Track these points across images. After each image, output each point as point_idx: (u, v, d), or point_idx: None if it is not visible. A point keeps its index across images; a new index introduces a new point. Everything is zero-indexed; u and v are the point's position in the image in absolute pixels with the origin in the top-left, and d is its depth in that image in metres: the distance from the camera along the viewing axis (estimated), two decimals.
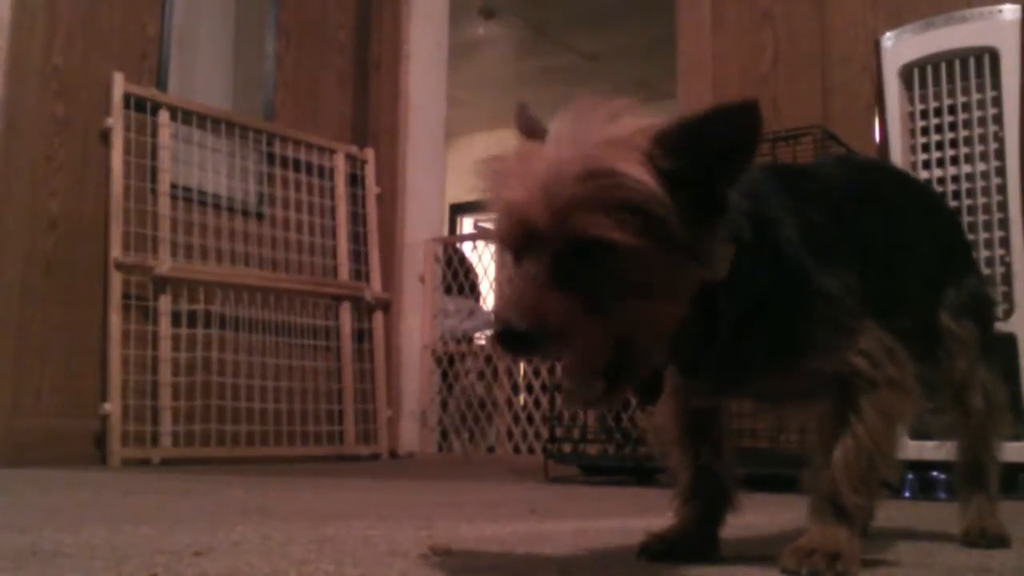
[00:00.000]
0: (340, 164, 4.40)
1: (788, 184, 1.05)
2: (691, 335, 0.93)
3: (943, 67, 2.37)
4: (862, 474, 0.98)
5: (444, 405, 4.58)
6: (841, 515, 0.98)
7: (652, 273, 0.84)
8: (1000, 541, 1.25)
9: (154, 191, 3.65)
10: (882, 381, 0.99)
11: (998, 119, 2.28)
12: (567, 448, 3.08)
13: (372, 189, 4.51)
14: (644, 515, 1.70)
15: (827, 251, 1.00)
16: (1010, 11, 2.29)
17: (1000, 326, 2.20)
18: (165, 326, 3.59)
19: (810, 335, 0.99)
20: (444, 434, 4.58)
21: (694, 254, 0.85)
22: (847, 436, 0.99)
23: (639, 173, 0.81)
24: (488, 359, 4.37)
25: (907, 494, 2.24)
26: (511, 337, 0.81)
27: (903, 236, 1.19)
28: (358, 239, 4.44)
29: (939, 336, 1.24)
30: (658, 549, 1.10)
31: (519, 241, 0.85)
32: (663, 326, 0.87)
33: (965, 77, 2.34)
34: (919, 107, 2.42)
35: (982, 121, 2.31)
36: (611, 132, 0.84)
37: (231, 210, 3.95)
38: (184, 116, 3.79)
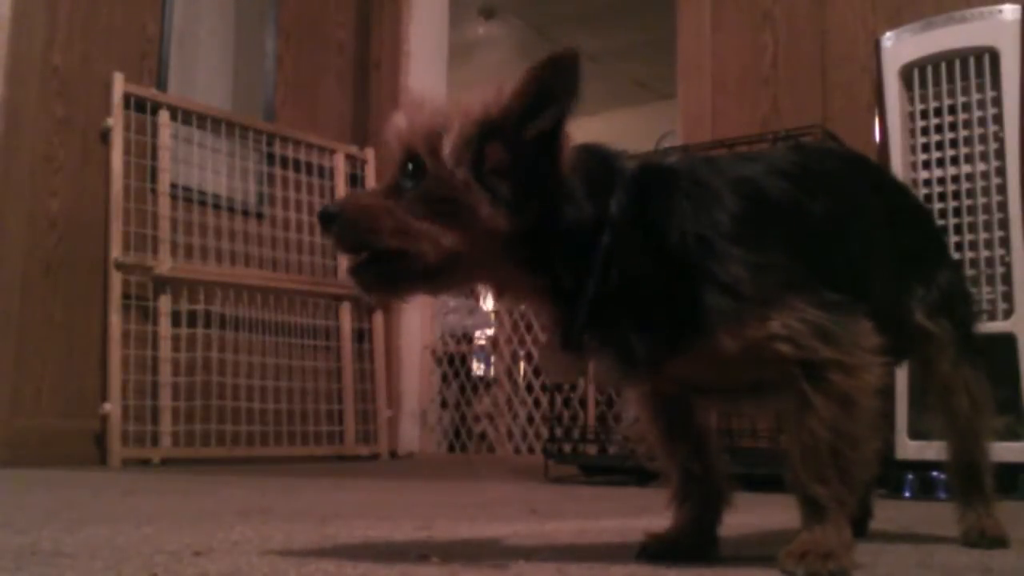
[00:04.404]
0: (340, 164, 4.40)
1: (701, 172, 1.06)
2: (552, 302, 1.01)
3: (943, 67, 2.37)
4: (822, 464, 0.96)
5: (444, 404, 4.58)
6: (817, 509, 0.97)
7: (444, 203, 0.98)
8: (1000, 542, 1.25)
9: (154, 191, 3.65)
10: (824, 365, 0.96)
11: (998, 119, 2.28)
12: (567, 448, 3.08)
13: None
14: (644, 515, 1.70)
15: (737, 233, 0.98)
16: (1010, 11, 2.29)
17: (1000, 326, 2.21)
18: (165, 326, 3.59)
19: (707, 313, 0.96)
20: (456, 433, 4.58)
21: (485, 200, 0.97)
22: (801, 428, 0.98)
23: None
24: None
25: (907, 494, 2.24)
26: (323, 216, 1.02)
27: (847, 217, 1.13)
28: None
29: (915, 335, 1.22)
30: (657, 550, 1.10)
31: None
32: (440, 246, 0.98)
33: (965, 77, 2.34)
34: (919, 107, 2.41)
35: (982, 121, 2.31)
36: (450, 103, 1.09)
37: (231, 210, 3.95)
38: (184, 116, 3.79)
